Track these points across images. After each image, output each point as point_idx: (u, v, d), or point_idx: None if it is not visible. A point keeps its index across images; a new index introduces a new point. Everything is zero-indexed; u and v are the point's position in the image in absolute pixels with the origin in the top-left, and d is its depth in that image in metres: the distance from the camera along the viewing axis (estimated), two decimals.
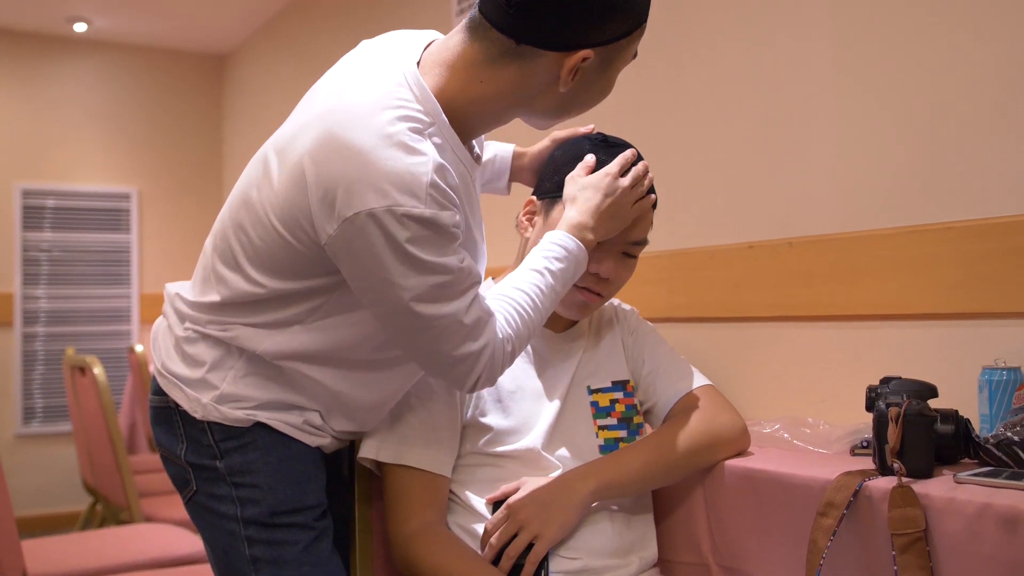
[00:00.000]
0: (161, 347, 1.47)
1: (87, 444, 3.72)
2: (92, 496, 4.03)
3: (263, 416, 1.41)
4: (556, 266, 1.40)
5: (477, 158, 1.44)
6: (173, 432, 1.45)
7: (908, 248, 1.76)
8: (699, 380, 1.61)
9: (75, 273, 5.47)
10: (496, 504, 1.46)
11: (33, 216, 5.44)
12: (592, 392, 1.58)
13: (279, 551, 1.40)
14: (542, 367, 1.57)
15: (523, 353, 1.56)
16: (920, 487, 1.27)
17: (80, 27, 5.18)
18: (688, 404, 1.57)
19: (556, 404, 1.54)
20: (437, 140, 1.26)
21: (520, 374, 1.55)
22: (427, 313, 1.26)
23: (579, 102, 1.37)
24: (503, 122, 1.37)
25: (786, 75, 2.07)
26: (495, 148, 1.64)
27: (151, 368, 1.50)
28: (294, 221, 1.27)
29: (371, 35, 1.45)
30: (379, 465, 1.50)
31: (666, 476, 1.52)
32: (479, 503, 1.48)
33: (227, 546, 1.43)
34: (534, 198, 1.57)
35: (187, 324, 1.43)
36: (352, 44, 1.45)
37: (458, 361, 1.30)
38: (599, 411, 1.57)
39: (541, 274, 1.39)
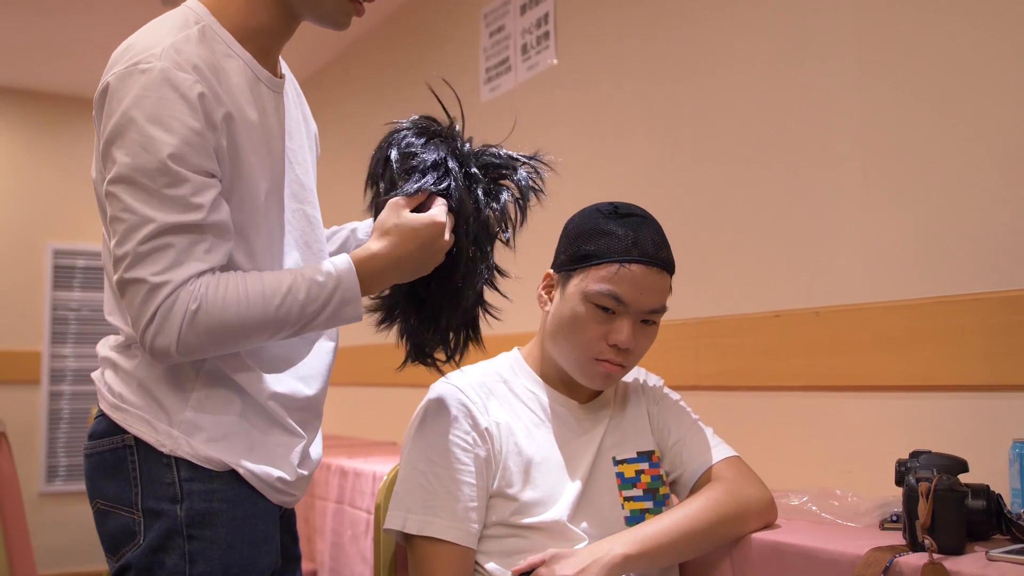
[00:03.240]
0: (111, 383, 1.39)
1: None
2: None
3: (238, 464, 1.35)
4: (312, 281, 1.31)
5: (280, 74, 1.44)
6: (123, 477, 1.35)
7: (936, 319, 1.76)
8: (725, 451, 1.61)
9: (103, 332, 5.51)
10: None
11: (63, 276, 5.52)
12: (618, 463, 1.58)
13: None
14: (568, 438, 1.57)
15: (548, 424, 1.56)
16: (952, 564, 1.25)
17: None
18: (715, 475, 1.56)
19: (582, 475, 1.54)
20: (202, 35, 1.30)
21: (545, 445, 1.55)
22: (121, 197, 1.24)
23: None
24: (280, 17, 1.38)
25: (813, 143, 2.08)
26: (356, 223, 1.66)
27: (99, 409, 1.41)
28: (97, 163, 1.32)
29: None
30: (405, 536, 1.50)
31: (693, 548, 1.50)
32: (505, 575, 1.47)
33: None
34: (551, 271, 1.59)
35: (131, 351, 1.38)
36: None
37: (132, 283, 1.25)
38: (625, 482, 1.57)
39: (288, 280, 1.31)
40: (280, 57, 1.47)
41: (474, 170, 1.46)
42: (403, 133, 1.49)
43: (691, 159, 2.44)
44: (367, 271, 1.35)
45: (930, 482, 1.30)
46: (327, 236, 1.61)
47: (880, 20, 1.95)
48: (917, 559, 1.28)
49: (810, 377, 2.01)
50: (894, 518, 1.55)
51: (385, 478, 1.63)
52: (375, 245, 1.36)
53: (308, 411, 1.47)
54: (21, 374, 5.40)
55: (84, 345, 5.51)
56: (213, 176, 1.29)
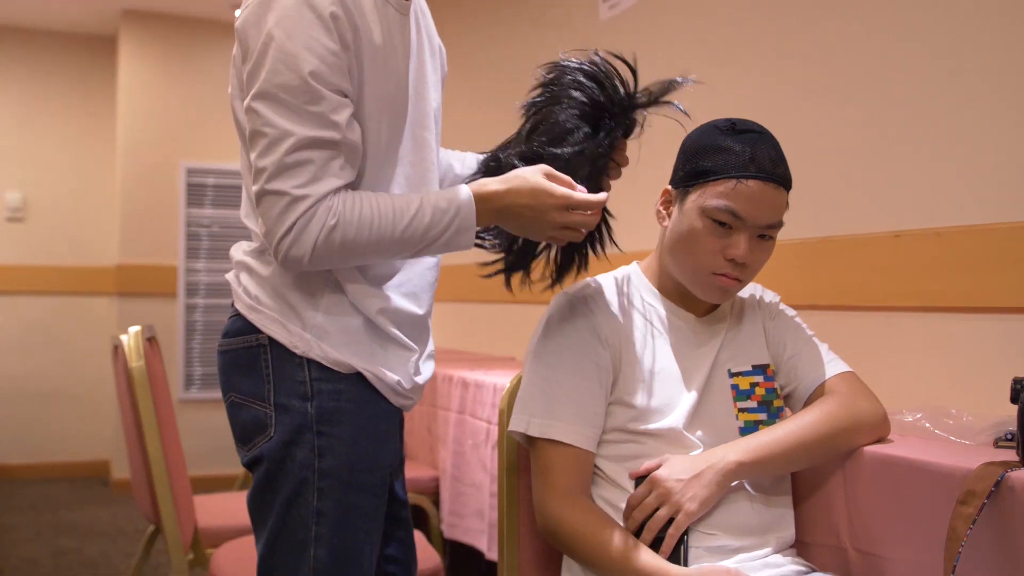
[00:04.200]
0: (247, 285, 1.48)
1: None
2: None
3: (363, 367, 1.44)
4: (436, 207, 1.39)
5: None
6: (256, 374, 1.44)
7: None
8: (840, 366, 1.63)
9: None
10: (639, 479, 1.52)
11: (196, 194, 5.76)
12: (733, 375, 1.62)
13: (347, 510, 1.42)
14: (685, 350, 1.62)
15: (666, 336, 1.62)
16: None
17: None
18: (829, 389, 1.60)
19: (698, 386, 1.59)
20: None
21: (663, 356, 1.60)
22: (262, 112, 1.32)
23: None
24: None
25: (935, 62, 2.05)
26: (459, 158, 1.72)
27: (233, 308, 1.50)
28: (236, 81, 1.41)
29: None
30: (528, 439, 1.59)
31: (805, 458, 1.55)
32: (622, 477, 1.55)
33: (292, 495, 1.42)
34: (669, 187, 1.61)
35: (265, 256, 1.47)
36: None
37: (270, 194, 1.32)
38: (739, 394, 1.61)
39: (415, 203, 1.39)
40: None
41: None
42: (570, 80, 1.53)
43: (811, 75, 2.41)
44: (483, 207, 1.42)
45: None
46: (480, 163, 1.66)
47: None
48: None
49: (929, 297, 2.00)
50: (1009, 436, 1.56)
51: (508, 385, 1.71)
52: (496, 185, 1.43)
53: (416, 327, 1.56)
54: (160, 287, 5.70)
55: (216, 260, 5.77)
56: (347, 96, 1.36)
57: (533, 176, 1.43)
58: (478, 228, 1.45)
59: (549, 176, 1.43)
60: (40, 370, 6.06)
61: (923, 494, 1.45)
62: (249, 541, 2.57)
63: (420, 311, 1.56)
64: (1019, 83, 1.87)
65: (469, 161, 1.73)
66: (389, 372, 1.48)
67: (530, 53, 3.88)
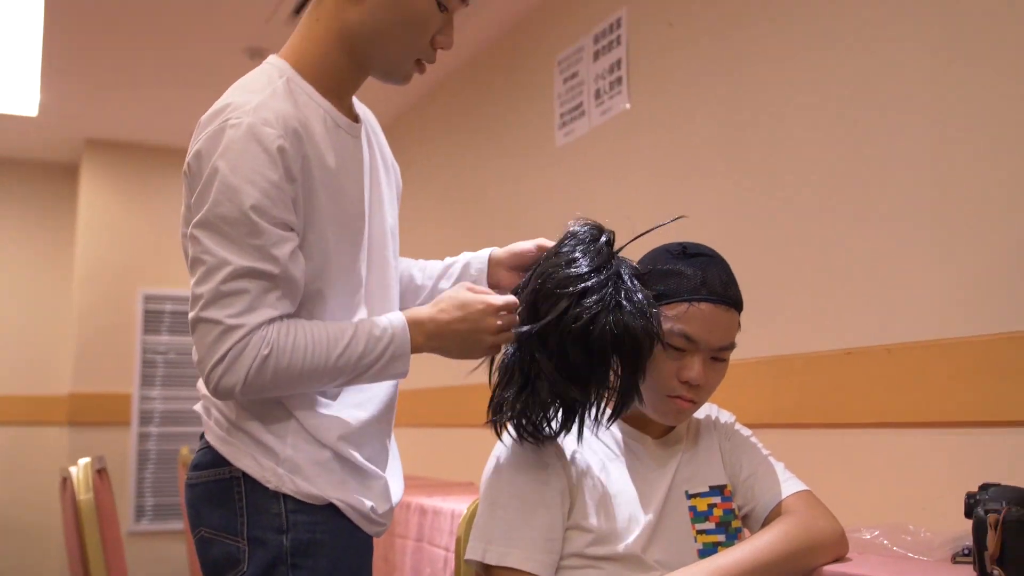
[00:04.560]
0: (217, 418, 1.46)
1: None
2: None
3: (336, 498, 1.43)
4: (370, 335, 1.40)
5: (355, 117, 1.53)
6: (229, 507, 1.42)
7: (1006, 353, 1.77)
8: (796, 485, 1.63)
9: (189, 375, 5.72)
10: None
11: (153, 320, 5.72)
12: (691, 497, 1.62)
13: None
14: (642, 472, 1.61)
15: (622, 458, 1.61)
16: None
17: None
18: (786, 509, 1.59)
19: (655, 508, 1.58)
20: (287, 88, 1.40)
21: (620, 479, 1.59)
22: (202, 240, 1.32)
23: (388, 23, 1.43)
24: (351, 71, 1.48)
25: (883, 182, 2.11)
26: (470, 256, 1.71)
27: (203, 441, 1.47)
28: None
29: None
30: (484, 567, 1.55)
31: None
32: None
33: None
34: None
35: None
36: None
37: (202, 322, 1.32)
38: (697, 515, 1.60)
39: (350, 332, 1.39)
40: (356, 99, 1.56)
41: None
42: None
43: (762, 199, 2.48)
44: (417, 332, 1.43)
45: (999, 513, 1.32)
46: (441, 268, 1.70)
47: (949, 59, 1.98)
48: None
49: (882, 414, 2.02)
50: (966, 551, 1.56)
51: (465, 511, 1.69)
52: (427, 309, 1.46)
53: (373, 441, 1.53)
54: (113, 415, 5.60)
55: (171, 387, 5.69)
56: (291, 230, 1.37)
57: (457, 292, 1.45)
58: (420, 356, 1.45)
59: (471, 289, 1.46)
60: None
61: None
62: None
63: (366, 416, 1.52)
64: (961, 200, 1.93)
65: (430, 270, 1.73)
66: (363, 500, 1.47)
67: (491, 172, 3.96)
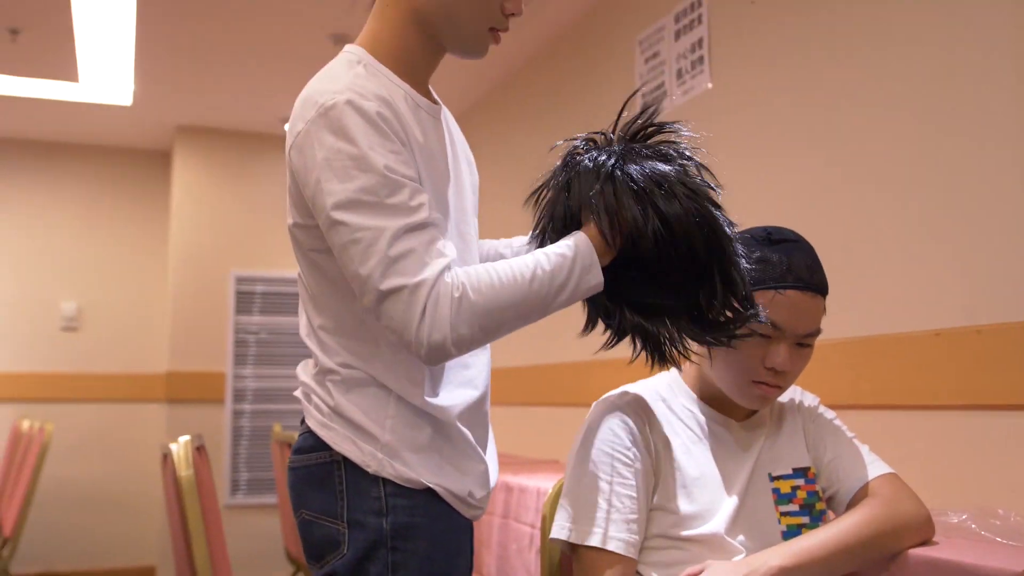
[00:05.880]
0: (318, 403, 1.47)
1: (292, 516, 3.96)
2: (294, 566, 4.27)
3: (435, 483, 1.43)
4: (550, 253, 1.38)
5: (435, 101, 1.53)
6: (330, 490, 1.43)
7: None
8: (882, 468, 1.63)
9: (280, 354, 5.87)
10: None
11: (244, 301, 5.88)
12: (774, 479, 1.63)
13: None
14: (725, 455, 1.63)
15: (705, 441, 1.63)
16: None
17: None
18: (871, 491, 1.59)
19: (739, 491, 1.59)
20: (367, 70, 1.41)
21: (703, 461, 1.61)
22: (349, 222, 1.30)
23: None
24: (427, 51, 1.49)
25: (971, 159, 2.08)
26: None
27: (304, 426, 1.49)
28: (293, 199, 1.44)
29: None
30: (570, 546, 1.59)
31: (849, 562, 1.53)
32: None
33: None
34: None
35: (326, 380, 1.46)
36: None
37: (389, 294, 1.29)
38: (781, 498, 1.61)
39: (529, 259, 1.37)
40: (432, 89, 1.57)
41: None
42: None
43: (847, 179, 2.45)
44: (597, 245, 1.40)
45: None
46: (528, 237, 1.65)
47: None
48: None
49: (971, 395, 2.00)
50: None
51: (550, 491, 1.72)
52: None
53: (480, 423, 1.54)
54: (208, 393, 5.78)
55: (263, 367, 5.85)
56: (417, 182, 1.38)
57: None
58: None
59: None
60: (90, 476, 6.13)
61: None
62: None
63: (478, 394, 1.53)
64: None
65: (516, 244, 1.73)
66: (461, 485, 1.48)
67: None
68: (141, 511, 6.14)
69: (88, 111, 5.64)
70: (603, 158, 1.47)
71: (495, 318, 1.33)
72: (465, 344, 1.32)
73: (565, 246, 1.39)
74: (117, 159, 6.44)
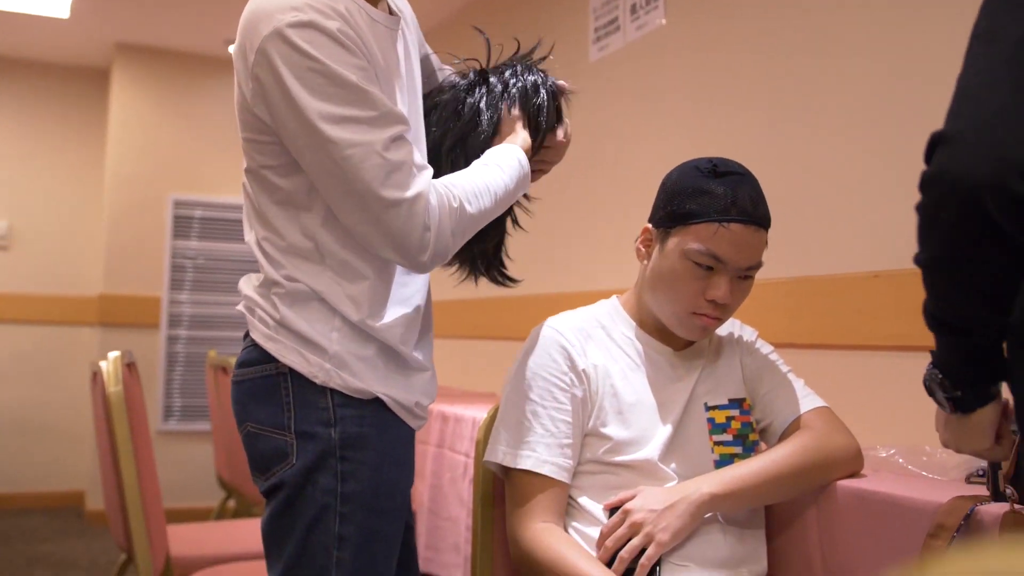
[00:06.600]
0: (262, 316, 1.46)
1: (226, 442, 3.93)
2: (226, 492, 4.24)
3: (383, 392, 1.44)
4: (493, 152, 1.51)
5: (392, 11, 1.53)
6: (276, 402, 1.43)
7: None
8: (815, 401, 1.65)
9: (218, 280, 5.78)
10: (613, 510, 1.53)
11: (183, 225, 5.77)
12: (709, 409, 1.64)
13: (369, 535, 1.42)
14: (662, 383, 1.63)
15: (643, 368, 1.63)
16: None
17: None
18: (804, 424, 1.61)
19: (674, 419, 1.60)
20: None
21: (640, 388, 1.62)
22: (338, 137, 1.30)
23: None
24: None
25: (915, 103, 2.08)
26: None
27: (248, 339, 1.48)
28: (245, 116, 1.42)
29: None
30: (503, 469, 1.59)
31: (779, 492, 1.56)
32: (596, 508, 1.55)
33: (313, 521, 1.40)
34: (650, 226, 1.63)
35: (271, 292, 1.45)
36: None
37: (391, 206, 1.32)
38: (715, 427, 1.63)
39: (481, 161, 1.50)
40: None
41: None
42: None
43: (793, 121, 2.45)
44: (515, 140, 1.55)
45: (1015, 433, 1.33)
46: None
47: None
48: (999, 508, 1.32)
49: (906, 337, 2.02)
50: (980, 472, 1.57)
51: (486, 415, 1.71)
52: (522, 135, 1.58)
53: (425, 334, 1.58)
54: (143, 318, 5.69)
55: (200, 292, 5.75)
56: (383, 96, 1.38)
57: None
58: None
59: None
60: (19, 399, 6.01)
61: (895, 528, 1.46)
62: (224, 569, 2.56)
63: (421, 304, 1.55)
64: None
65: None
66: (407, 394, 1.49)
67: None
68: (71, 436, 6.05)
69: (22, 22, 5.43)
70: (535, 78, 1.67)
71: (473, 227, 1.44)
72: (452, 251, 1.42)
73: (516, 160, 1.48)
74: (53, 75, 6.23)
